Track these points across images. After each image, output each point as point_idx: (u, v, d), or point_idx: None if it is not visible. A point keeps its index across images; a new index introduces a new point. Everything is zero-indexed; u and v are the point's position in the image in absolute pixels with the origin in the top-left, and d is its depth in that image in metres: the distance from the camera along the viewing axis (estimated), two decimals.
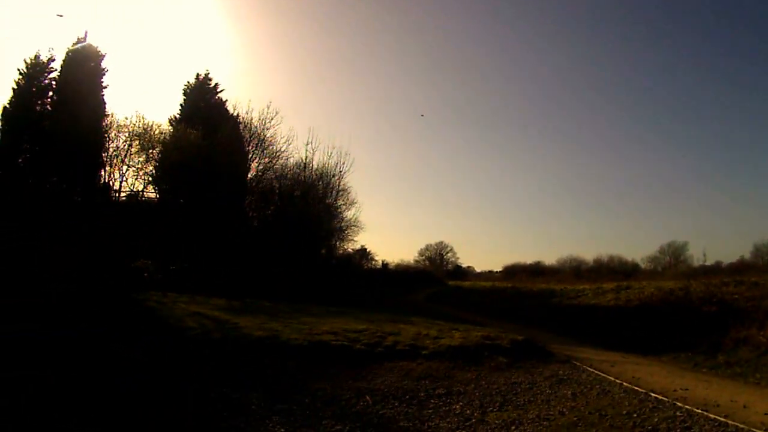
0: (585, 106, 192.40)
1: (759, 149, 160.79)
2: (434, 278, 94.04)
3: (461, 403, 14.10)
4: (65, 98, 47.24)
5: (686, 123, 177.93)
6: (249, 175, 54.92)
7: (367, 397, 14.18)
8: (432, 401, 14.24)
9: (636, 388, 15.83)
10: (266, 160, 55.87)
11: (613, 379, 17.34)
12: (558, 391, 15.70)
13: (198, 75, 57.63)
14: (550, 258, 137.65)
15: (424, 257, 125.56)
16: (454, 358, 19.22)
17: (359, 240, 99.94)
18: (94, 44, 51.40)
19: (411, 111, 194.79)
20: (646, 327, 27.96)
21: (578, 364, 20.16)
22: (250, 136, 54.14)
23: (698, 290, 30.90)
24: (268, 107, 57.54)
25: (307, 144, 58.04)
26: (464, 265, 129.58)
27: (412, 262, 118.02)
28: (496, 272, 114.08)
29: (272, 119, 54.70)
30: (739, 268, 59.84)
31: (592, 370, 18.97)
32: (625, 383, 16.55)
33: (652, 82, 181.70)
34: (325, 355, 18.50)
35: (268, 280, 40.63)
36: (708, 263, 76.06)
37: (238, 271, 40.92)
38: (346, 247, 72.07)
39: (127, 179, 51.31)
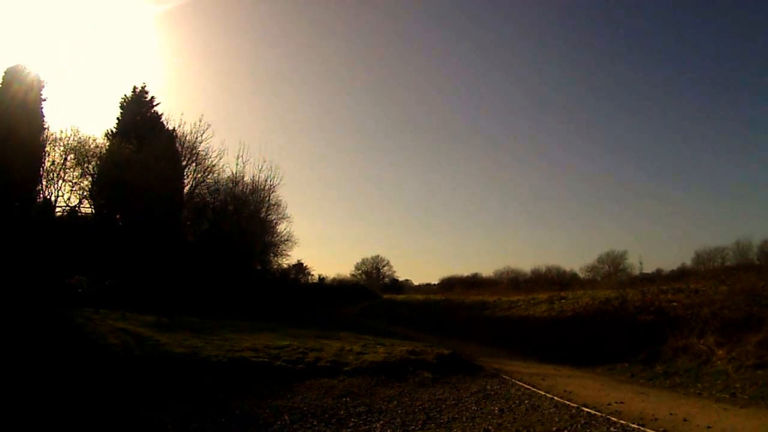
0: (522, 118, 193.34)
1: (697, 158, 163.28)
2: (368, 292, 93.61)
3: (382, 422, 13.42)
4: (2, 111, 45.97)
5: (625, 133, 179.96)
6: (184, 190, 53.67)
7: (286, 416, 13.48)
8: (352, 420, 13.60)
9: (567, 402, 15.06)
10: (199, 174, 54.77)
11: (543, 393, 16.60)
12: (484, 407, 14.85)
13: (135, 88, 56.28)
14: (487, 270, 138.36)
15: (360, 271, 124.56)
16: (377, 375, 18.83)
17: (296, 255, 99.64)
18: (33, 57, 50.33)
19: (345, 124, 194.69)
20: (581, 338, 27.52)
21: (507, 378, 19.51)
22: (183, 150, 52.60)
23: (635, 299, 30.30)
24: (200, 120, 56.16)
25: (238, 157, 57.49)
26: (401, 279, 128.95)
27: (348, 276, 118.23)
28: (434, 285, 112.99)
29: (204, 133, 53.19)
30: (680, 275, 60.16)
31: (521, 384, 18.23)
32: (556, 397, 15.82)
33: (587, 93, 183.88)
34: (245, 372, 17.75)
35: (200, 296, 40.01)
36: (648, 271, 77.01)
37: (172, 287, 39.93)
38: (281, 262, 72.00)
39: (63, 194, 49.48)
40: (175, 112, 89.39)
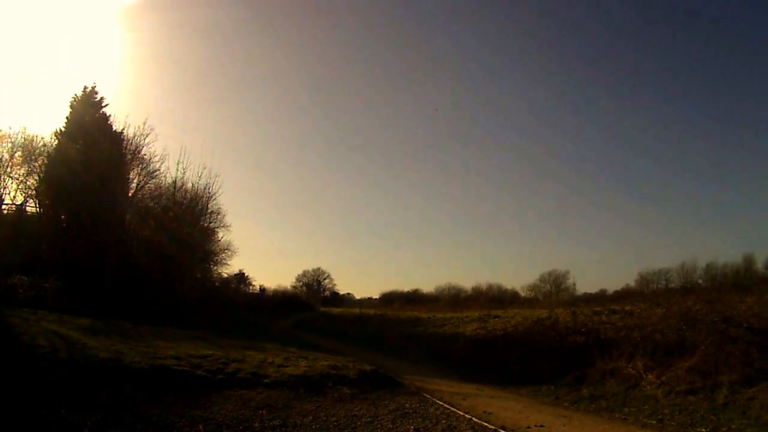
0: (465, 135, 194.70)
1: (644, 182, 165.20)
2: (305, 304, 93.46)
3: None
4: None
5: (575, 152, 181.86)
6: (128, 194, 52.41)
7: (200, 426, 13.36)
8: None
9: (485, 424, 14.66)
10: (143, 178, 53.85)
11: (462, 413, 16.17)
12: (400, 425, 14.55)
13: (85, 88, 54.50)
14: (429, 286, 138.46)
15: (301, 283, 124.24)
16: (295, 388, 18.65)
17: (239, 264, 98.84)
18: None
19: (291, 134, 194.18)
20: (508, 358, 27.45)
21: (428, 396, 19.13)
22: (127, 153, 51.58)
23: (566, 320, 30.41)
24: (145, 124, 54.94)
25: (179, 163, 56.42)
26: (343, 292, 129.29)
27: (289, 287, 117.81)
28: (375, 299, 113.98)
29: (147, 136, 52.13)
30: (623, 296, 60.73)
31: (441, 403, 17.77)
32: (474, 419, 15.40)
33: (530, 111, 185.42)
34: (165, 379, 17.52)
35: (139, 302, 39.29)
36: (592, 291, 77.87)
37: (112, 292, 39.56)
38: (221, 271, 71.41)
39: (9, 192, 49.43)
40: (122, 113, 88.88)
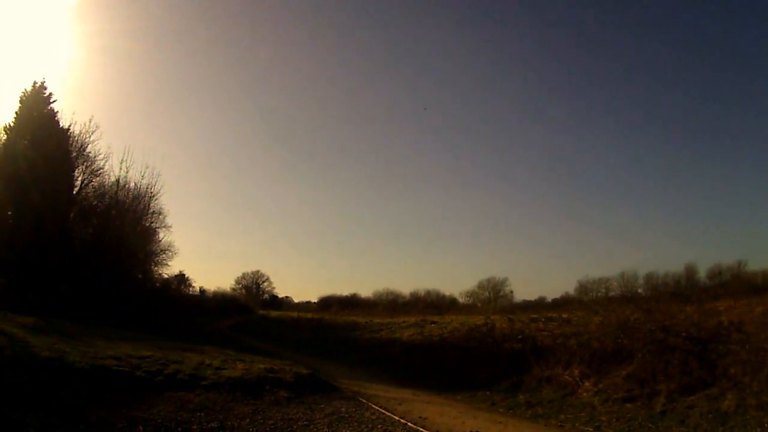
0: (404, 139, 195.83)
1: (581, 193, 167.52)
2: (244, 307, 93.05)
3: None
4: None
5: (522, 159, 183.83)
6: (73, 191, 51.75)
7: (140, 427, 13.16)
8: None
9: (421, 429, 14.55)
10: (87, 176, 53.08)
11: (397, 418, 16.08)
12: (336, 430, 14.43)
13: (35, 83, 53.84)
14: (367, 291, 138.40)
15: (240, 285, 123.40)
16: (233, 391, 18.43)
17: (179, 265, 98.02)
18: None
19: (231, 137, 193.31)
20: (445, 363, 27.51)
21: (364, 401, 18.97)
22: (72, 150, 50.95)
23: (503, 327, 30.65)
24: (90, 121, 54.26)
25: (122, 162, 55.73)
26: (282, 295, 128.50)
27: (229, 289, 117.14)
28: (313, 303, 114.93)
29: (93, 134, 51.60)
30: (562, 303, 61.50)
31: (377, 408, 17.61)
32: (410, 423, 15.34)
33: (468, 111, 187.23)
34: (106, 380, 17.20)
35: (82, 301, 38.95)
36: (531, 299, 78.60)
37: (57, 291, 39.16)
38: (161, 271, 70.86)
39: None
40: (69, 110, 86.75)
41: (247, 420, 15.08)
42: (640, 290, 73.32)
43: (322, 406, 17.70)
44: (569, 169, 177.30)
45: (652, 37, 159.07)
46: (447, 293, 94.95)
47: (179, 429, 13.51)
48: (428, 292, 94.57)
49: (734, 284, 58.63)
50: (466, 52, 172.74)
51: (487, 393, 21.75)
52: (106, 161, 53.05)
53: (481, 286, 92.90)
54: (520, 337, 27.65)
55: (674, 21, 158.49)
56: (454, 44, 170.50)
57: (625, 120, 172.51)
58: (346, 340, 41.67)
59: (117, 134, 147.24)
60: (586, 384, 19.61)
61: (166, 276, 74.24)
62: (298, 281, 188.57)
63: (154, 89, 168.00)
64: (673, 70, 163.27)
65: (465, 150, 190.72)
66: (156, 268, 68.77)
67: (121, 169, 54.30)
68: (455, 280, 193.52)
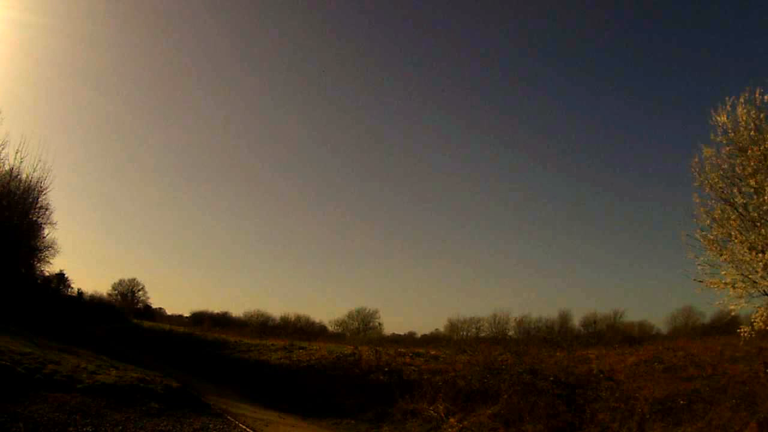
0: (285, 168, 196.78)
1: (456, 232, 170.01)
2: (119, 314, 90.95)
3: None
4: None
5: (385, 196, 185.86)
6: None
7: (21, 424, 13.26)
8: None
9: None
10: None
11: None
12: None
13: None
14: (238, 310, 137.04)
15: (117, 291, 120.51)
16: (107, 396, 18.26)
17: (59, 263, 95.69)
18: None
19: (120, 138, 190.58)
20: (312, 389, 27.48)
21: (231, 419, 18.84)
22: None
23: (370, 358, 31.19)
24: None
25: (17, 152, 54.49)
26: (155, 306, 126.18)
27: (105, 294, 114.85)
28: (186, 317, 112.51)
29: None
30: (431, 339, 62.69)
31: (243, 427, 17.42)
32: None
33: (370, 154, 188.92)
34: None
35: None
36: (401, 333, 79.34)
37: None
38: (43, 269, 69.10)
39: None
40: None
41: (120, 428, 15.01)
42: (511, 333, 74.69)
43: (191, 420, 17.57)
44: (447, 207, 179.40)
45: None
46: (317, 320, 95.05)
47: (56, 429, 13.56)
48: (298, 317, 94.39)
49: (609, 334, 60.77)
50: None
51: (353, 422, 21.88)
52: (2, 149, 52.00)
53: (351, 316, 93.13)
54: (386, 369, 28.21)
55: None
56: None
57: (509, 166, 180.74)
58: (217, 357, 41.40)
59: (16, 122, 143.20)
60: (452, 420, 19.95)
61: (47, 274, 72.52)
62: (172, 294, 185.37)
63: (58, 82, 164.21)
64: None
65: (345, 181, 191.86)
66: (39, 265, 66.93)
67: (16, 159, 53.16)
68: (326, 307, 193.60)
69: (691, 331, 59.02)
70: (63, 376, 19.50)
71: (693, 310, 65.46)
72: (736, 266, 26.58)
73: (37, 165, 55.61)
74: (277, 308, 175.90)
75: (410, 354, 32.46)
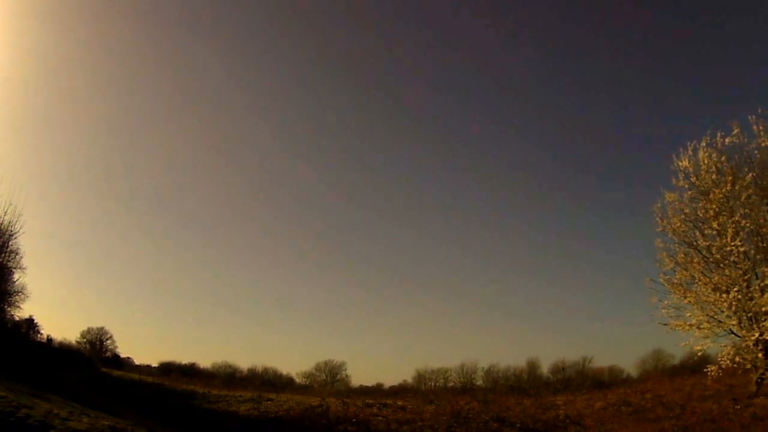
0: (253, 213, 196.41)
1: (420, 282, 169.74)
2: (89, 362, 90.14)
3: None
4: None
5: (351, 245, 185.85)
6: None
7: None
8: None
9: None
10: None
11: None
12: None
13: None
14: (206, 362, 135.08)
15: (85, 339, 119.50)
16: None
17: (28, 309, 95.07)
18: None
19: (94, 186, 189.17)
20: None
21: None
22: None
23: (338, 409, 30.95)
24: None
25: None
26: (123, 355, 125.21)
27: (74, 342, 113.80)
28: (154, 367, 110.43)
29: None
30: (399, 390, 62.42)
31: None
32: None
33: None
34: None
35: None
36: (369, 384, 78.96)
37: None
38: (13, 313, 67.50)
39: None
40: None
41: None
42: (479, 382, 74.59)
43: None
44: (410, 257, 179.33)
45: None
46: (284, 372, 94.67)
47: None
48: (266, 369, 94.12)
49: (578, 380, 60.78)
50: None
51: None
52: None
53: (318, 368, 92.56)
54: (354, 420, 27.84)
55: None
56: None
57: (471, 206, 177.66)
58: (186, 407, 40.70)
59: None
60: None
61: (17, 318, 71.37)
62: (140, 343, 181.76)
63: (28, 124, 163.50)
64: None
65: (311, 231, 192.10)
66: (9, 309, 65.75)
67: None
68: (293, 359, 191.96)
69: (661, 373, 58.43)
70: (36, 420, 18.70)
71: (663, 352, 65.37)
72: (701, 307, 26.96)
73: (8, 208, 55.21)
74: (244, 360, 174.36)
75: (378, 405, 32.11)
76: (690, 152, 27.83)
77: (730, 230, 25.12)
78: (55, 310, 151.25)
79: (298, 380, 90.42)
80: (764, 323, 24.39)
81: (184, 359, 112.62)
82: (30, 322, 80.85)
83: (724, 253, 25.80)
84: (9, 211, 54.95)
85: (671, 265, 28.70)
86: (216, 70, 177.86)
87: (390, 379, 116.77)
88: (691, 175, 27.59)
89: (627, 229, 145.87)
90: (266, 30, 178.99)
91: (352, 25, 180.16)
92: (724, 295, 25.58)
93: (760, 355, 25.38)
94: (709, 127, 27.14)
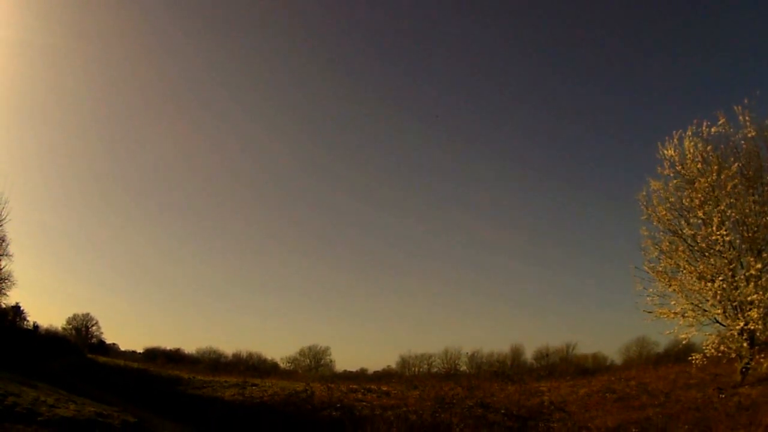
0: (238, 201, 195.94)
1: (406, 268, 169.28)
2: (75, 348, 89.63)
3: None
4: None
5: (338, 231, 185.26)
6: None
7: None
8: None
9: None
10: None
11: None
12: None
13: None
14: (190, 347, 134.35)
15: (71, 326, 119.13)
16: (67, 430, 18.12)
17: (15, 296, 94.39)
18: None
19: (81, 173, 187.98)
20: (265, 425, 26.59)
21: None
22: None
23: (322, 394, 30.92)
24: None
25: None
26: (109, 342, 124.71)
27: (60, 328, 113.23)
28: (139, 353, 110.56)
29: None
30: (383, 376, 62.31)
31: None
32: None
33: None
34: None
35: None
36: (353, 369, 78.82)
37: None
38: (0, 301, 67.67)
39: None
40: None
41: None
42: (463, 368, 74.76)
43: None
44: (393, 243, 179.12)
45: None
46: (269, 357, 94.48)
47: None
48: (250, 355, 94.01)
49: (562, 366, 60.80)
50: None
51: None
52: None
53: (302, 353, 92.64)
54: (338, 405, 27.92)
55: None
56: None
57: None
58: (171, 393, 40.60)
59: None
60: None
61: (4, 306, 71.63)
62: (125, 328, 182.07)
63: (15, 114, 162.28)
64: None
65: (294, 218, 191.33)
66: None
67: None
68: (278, 344, 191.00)
69: (646, 360, 58.43)
70: (23, 408, 19.31)
71: (647, 340, 65.47)
72: (686, 296, 26.86)
73: None
74: (228, 345, 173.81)
75: (362, 390, 32.17)
76: (676, 141, 27.73)
77: (715, 219, 25.06)
78: (41, 297, 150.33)
79: (282, 365, 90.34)
80: (749, 313, 24.30)
81: (169, 345, 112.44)
82: (17, 309, 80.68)
83: (710, 242, 25.73)
84: None
85: (656, 253, 28.68)
86: (209, 65, 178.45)
87: (374, 365, 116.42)
88: (677, 164, 27.50)
89: (612, 216, 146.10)
90: (266, 30, 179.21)
91: (352, 25, 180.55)
92: (710, 284, 25.54)
93: (745, 344, 25.40)
94: (695, 116, 26.85)
